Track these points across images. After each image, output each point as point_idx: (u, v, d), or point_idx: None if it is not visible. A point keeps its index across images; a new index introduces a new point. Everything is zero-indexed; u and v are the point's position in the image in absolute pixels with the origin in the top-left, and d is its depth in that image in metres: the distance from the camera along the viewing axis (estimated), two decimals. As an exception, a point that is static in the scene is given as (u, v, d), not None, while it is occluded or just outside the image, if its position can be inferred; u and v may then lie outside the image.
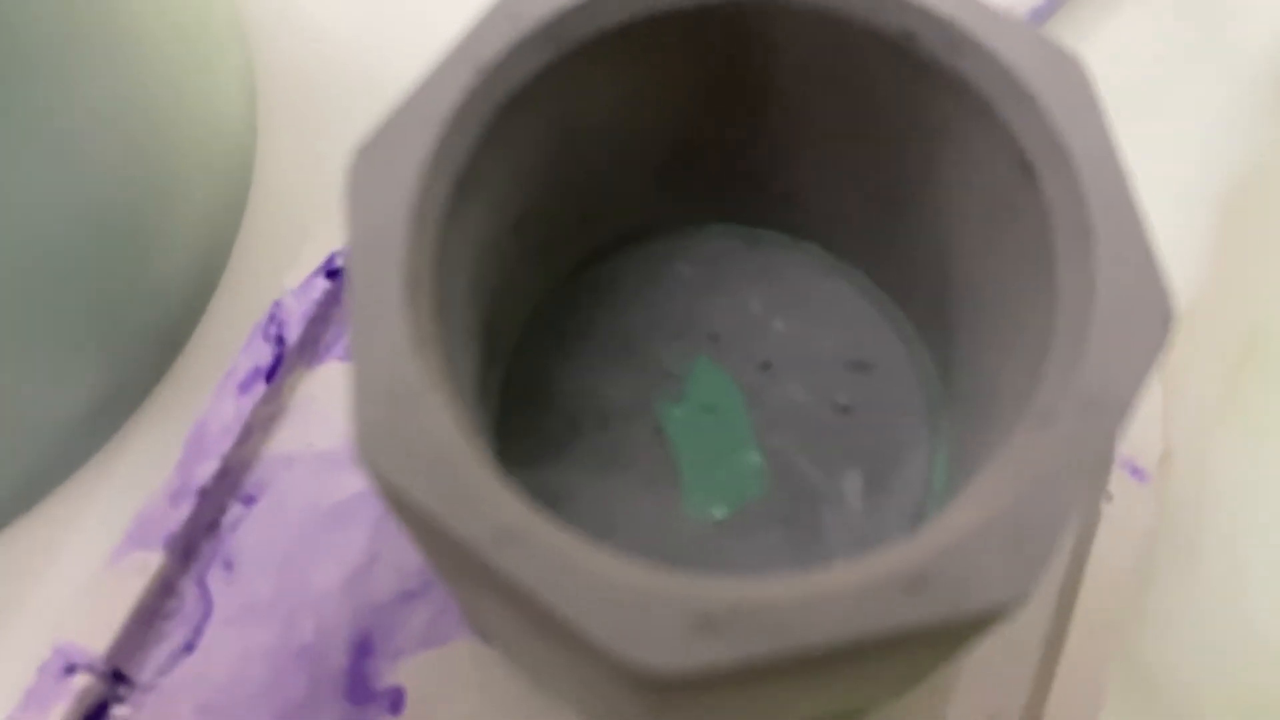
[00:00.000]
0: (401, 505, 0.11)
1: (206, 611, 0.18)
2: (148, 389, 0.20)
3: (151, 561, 0.17)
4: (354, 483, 0.19)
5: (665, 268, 0.18)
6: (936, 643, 0.11)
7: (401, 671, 0.17)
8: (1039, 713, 0.16)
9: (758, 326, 0.18)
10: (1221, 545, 0.18)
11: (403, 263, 0.12)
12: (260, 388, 0.18)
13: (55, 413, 0.19)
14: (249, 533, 0.18)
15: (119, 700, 0.17)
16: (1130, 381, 0.11)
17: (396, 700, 0.17)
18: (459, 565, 0.11)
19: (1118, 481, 0.18)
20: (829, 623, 0.10)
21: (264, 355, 0.18)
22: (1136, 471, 0.18)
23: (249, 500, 0.18)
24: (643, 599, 0.10)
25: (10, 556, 0.19)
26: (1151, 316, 0.11)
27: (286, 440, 0.19)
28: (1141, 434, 0.18)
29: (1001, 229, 0.14)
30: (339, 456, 0.19)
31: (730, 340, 0.17)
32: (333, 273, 0.19)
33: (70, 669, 0.17)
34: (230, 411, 0.18)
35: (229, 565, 0.18)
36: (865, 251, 0.17)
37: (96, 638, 0.17)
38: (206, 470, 0.18)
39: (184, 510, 0.18)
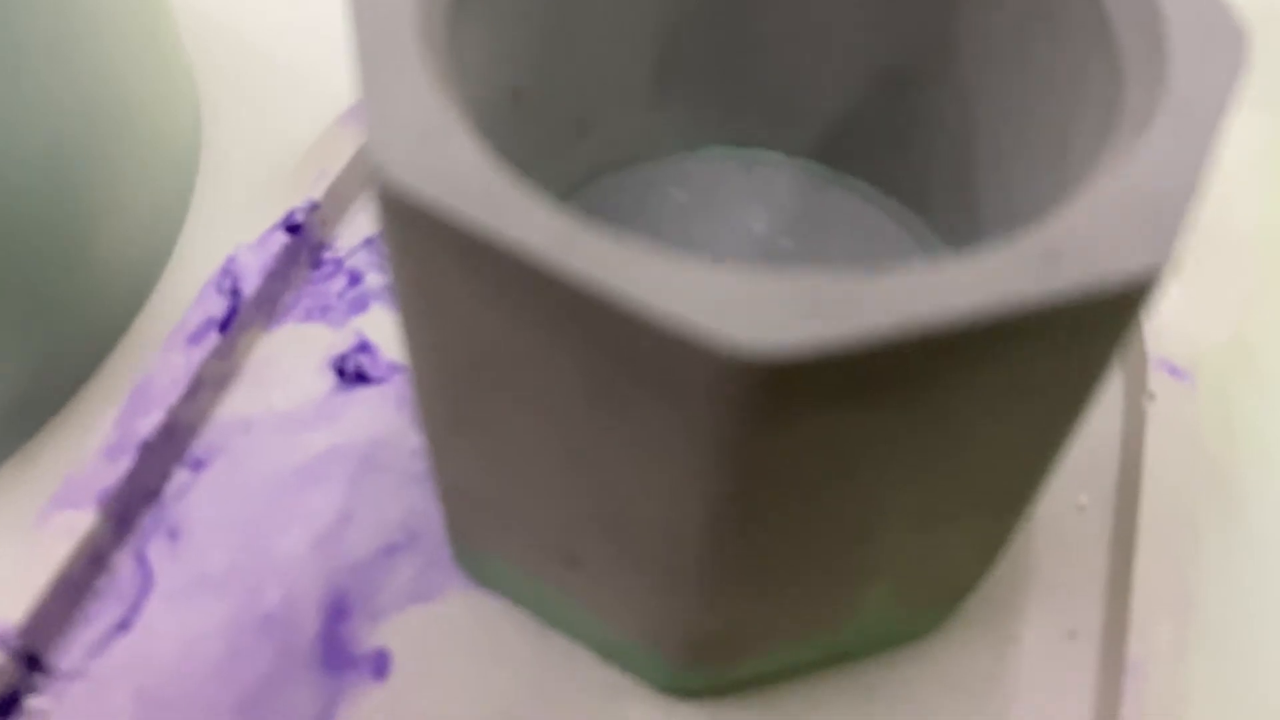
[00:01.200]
0: (441, 234, 0.09)
1: (145, 587, 0.15)
2: (83, 377, 0.18)
3: (80, 523, 0.15)
4: (320, 441, 0.16)
5: (659, 193, 0.17)
6: (1075, 331, 0.09)
7: (385, 632, 0.15)
8: (1124, 623, 0.15)
9: (764, 246, 0.17)
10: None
11: (414, 22, 0.11)
12: (213, 338, 0.16)
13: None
14: (198, 501, 0.16)
15: (34, 691, 0.14)
16: (1220, 89, 0.11)
17: (381, 664, 0.15)
18: (506, 290, 0.09)
19: (1157, 381, 0.17)
20: (958, 295, 0.09)
21: (217, 307, 0.17)
22: (1175, 371, 0.17)
23: (198, 465, 0.16)
24: (743, 284, 0.09)
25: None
26: (1225, 35, 0.11)
27: (242, 403, 0.17)
28: (1175, 335, 0.17)
29: (1033, 38, 0.13)
30: (303, 415, 0.17)
31: (737, 263, 0.16)
32: (293, 228, 0.18)
33: (-25, 645, 0.14)
34: (179, 363, 0.16)
35: (174, 535, 0.15)
36: (868, 155, 0.17)
37: (9, 609, 0.14)
38: (149, 423, 0.16)
39: (122, 466, 0.15)
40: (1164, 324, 0.17)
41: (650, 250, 0.09)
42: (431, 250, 0.10)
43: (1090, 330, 0.09)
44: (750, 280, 0.09)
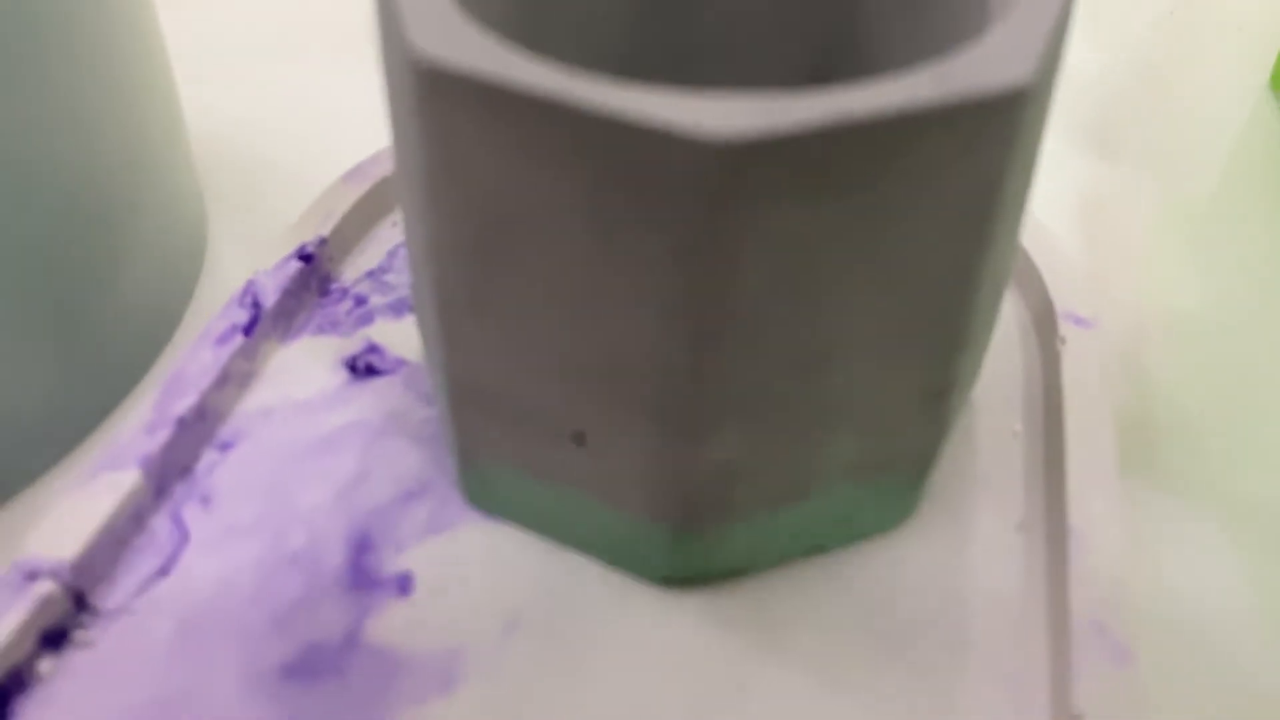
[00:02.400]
0: (467, 92, 0.12)
1: (181, 542, 0.17)
2: (111, 406, 0.20)
3: (124, 482, 0.16)
4: (336, 420, 0.18)
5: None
6: (967, 134, 0.12)
7: (407, 559, 0.16)
8: (1064, 509, 0.17)
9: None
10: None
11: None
12: (237, 339, 0.19)
13: (19, 415, 0.18)
14: (227, 473, 0.18)
15: (82, 627, 0.15)
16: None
17: (405, 584, 0.16)
18: (518, 131, 0.12)
19: (1066, 329, 0.19)
20: (871, 99, 0.12)
21: (240, 317, 0.19)
22: (1080, 320, 0.19)
23: (225, 447, 0.18)
24: (706, 100, 0.12)
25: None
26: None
27: (263, 397, 0.19)
28: (1076, 291, 0.20)
29: (924, 18, 0.17)
30: (320, 402, 0.19)
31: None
32: (305, 257, 0.20)
33: (32, 576, 0.15)
34: (208, 358, 0.18)
35: (206, 500, 0.17)
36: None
37: (61, 549, 0.15)
38: (185, 404, 0.17)
39: (159, 438, 0.17)
40: (1068, 284, 0.20)
41: (632, 89, 0.12)
42: (459, 112, 0.12)
43: (979, 134, 0.12)
44: (713, 98, 0.12)
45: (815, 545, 0.16)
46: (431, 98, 0.13)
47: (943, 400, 0.15)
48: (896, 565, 0.17)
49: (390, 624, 0.16)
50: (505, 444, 0.16)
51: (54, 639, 0.15)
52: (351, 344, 0.20)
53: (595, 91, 0.12)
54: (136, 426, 0.17)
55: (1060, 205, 0.25)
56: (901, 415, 0.15)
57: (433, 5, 0.13)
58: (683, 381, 0.14)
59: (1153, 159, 0.27)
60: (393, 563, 0.16)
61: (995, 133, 0.12)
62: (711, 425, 0.14)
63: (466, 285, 0.14)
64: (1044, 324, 0.20)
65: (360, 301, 0.21)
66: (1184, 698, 0.16)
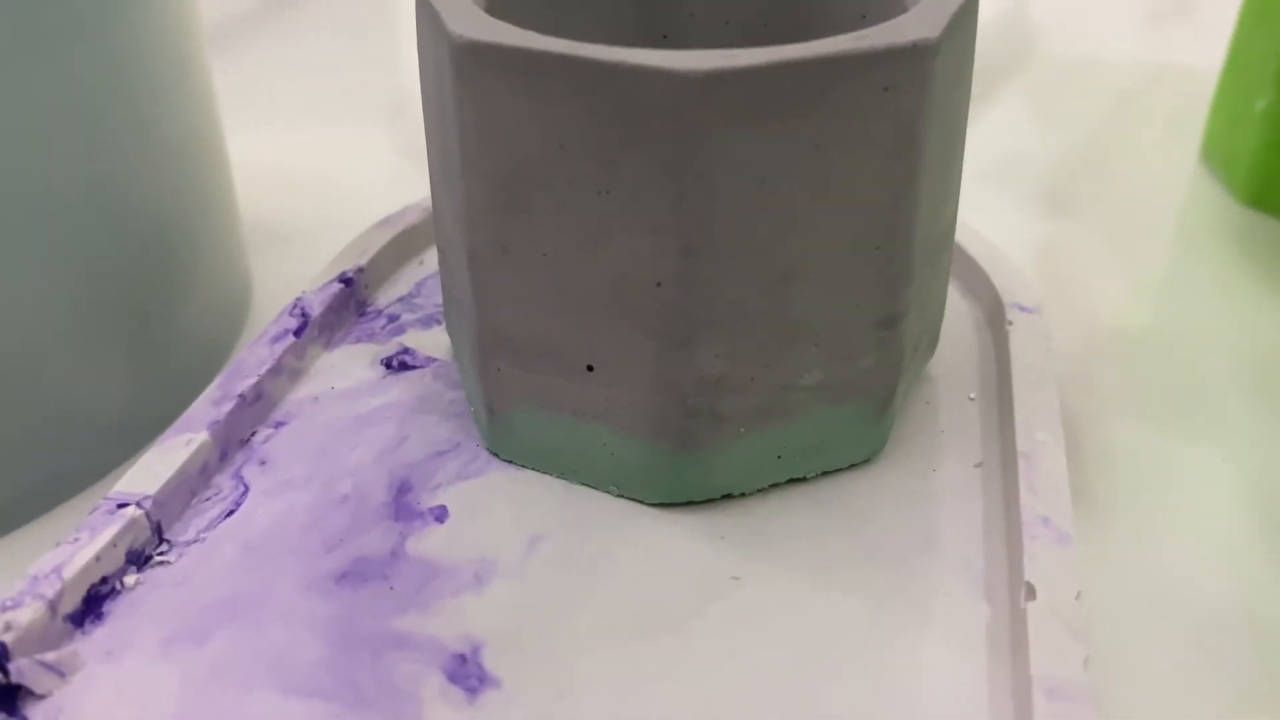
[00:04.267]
0: (497, 59, 0.16)
1: (243, 493, 0.20)
2: (170, 417, 0.23)
3: (195, 440, 0.19)
4: (375, 402, 0.22)
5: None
6: (885, 79, 0.16)
7: (442, 496, 0.19)
8: (1013, 443, 0.20)
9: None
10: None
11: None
12: (289, 339, 0.22)
13: (94, 407, 0.21)
14: (281, 443, 0.21)
15: (160, 551, 0.18)
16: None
17: (440, 514, 0.19)
18: (539, 87, 0.16)
19: (1012, 314, 0.23)
20: (807, 50, 0.16)
21: (291, 324, 0.22)
22: (1024, 309, 0.23)
23: (278, 425, 0.21)
24: (684, 53, 0.16)
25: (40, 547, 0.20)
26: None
27: (310, 388, 0.22)
28: (1020, 286, 0.23)
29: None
30: (360, 390, 0.22)
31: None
32: (345, 280, 0.24)
33: (121, 505, 0.18)
34: (264, 352, 0.22)
35: (263, 463, 0.20)
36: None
37: (144, 487, 0.18)
38: (245, 384, 0.21)
39: (224, 409, 0.20)
40: (1013, 281, 0.23)
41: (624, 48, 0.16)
42: (489, 75, 0.16)
43: (893, 80, 0.16)
44: (687, 52, 0.16)
45: (796, 473, 0.19)
46: (467, 68, 0.16)
47: (894, 329, 0.18)
48: (869, 491, 0.19)
49: (429, 542, 0.18)
50: (527, 385, 0.19)
51: (137, 558, 0.18)
52: (386, 348, 0.23)
53: (596, 49, 0.16)
54: (205, 401, 0.20)
55: (1020, 254, 0.29)
56: (860, 340, 0.18)
57: (462, 5, 0.17)
58: (673, 295, 0.17)
59: (1099, 217, 0.31)
60: (429, 499, 0.19)
61: (908, 80, 0.16)
62: (698, 338, 0.17)
63: (494, 238, 0.18)
64: (994, 316, 0.23)
65: (393, 319, 0.24)
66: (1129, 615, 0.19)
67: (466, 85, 0.17)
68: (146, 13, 0.21)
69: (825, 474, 0.20)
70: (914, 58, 0.16)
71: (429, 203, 0.26)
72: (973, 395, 0.22)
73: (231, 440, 0.20)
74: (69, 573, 0.17)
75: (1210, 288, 0.28)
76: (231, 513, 0.19)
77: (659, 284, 0.17)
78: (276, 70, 0.40)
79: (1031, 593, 0.17)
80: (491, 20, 0.17)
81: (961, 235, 0.25)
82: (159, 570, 0.18)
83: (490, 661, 0.16)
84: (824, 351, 0.18)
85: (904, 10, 0.19)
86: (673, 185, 0.16)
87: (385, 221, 0.26)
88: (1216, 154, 0.33)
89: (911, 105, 0.16)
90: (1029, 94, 0.38)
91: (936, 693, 0.16)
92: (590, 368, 0.18)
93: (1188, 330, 0.26)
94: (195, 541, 0.19)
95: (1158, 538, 0.20)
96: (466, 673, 0.16)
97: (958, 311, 0.24)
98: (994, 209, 0.31)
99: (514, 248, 0.18)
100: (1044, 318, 0.23)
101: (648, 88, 0.15)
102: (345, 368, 0.23)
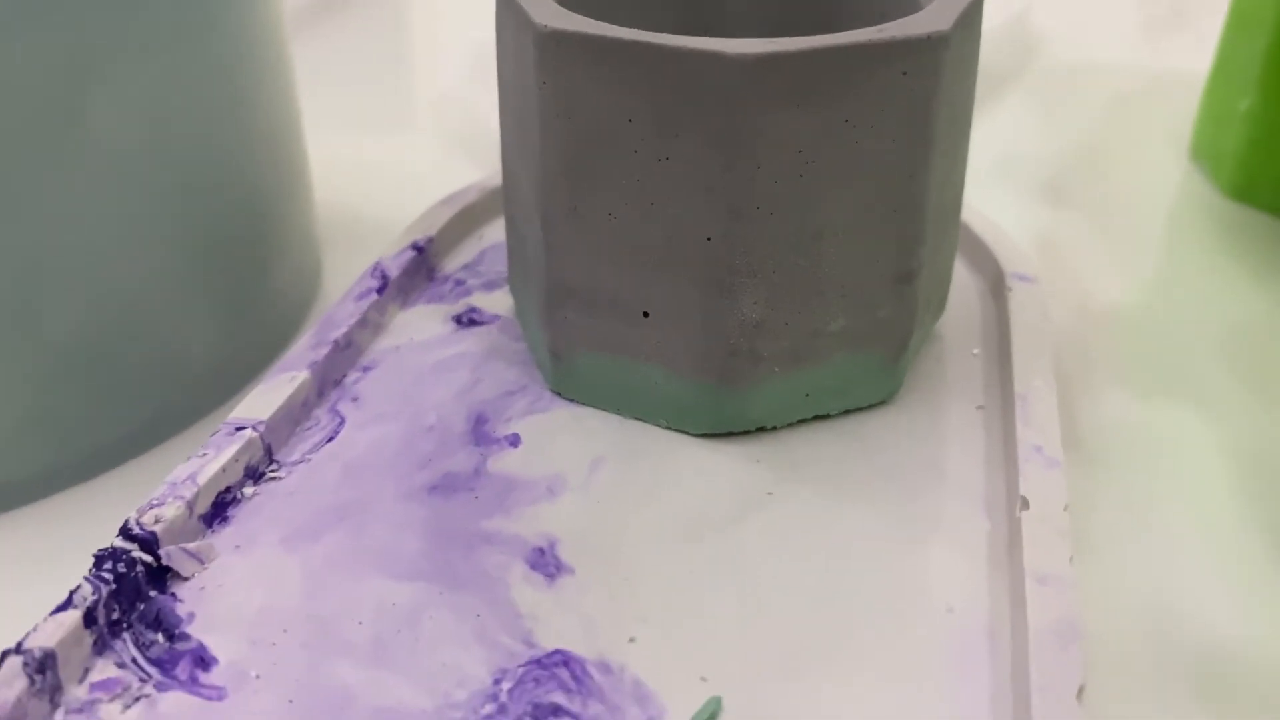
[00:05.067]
0: (575, 45, 0.19)
1: (340, 423, 0.23)
2: (258, 370, 0.26)
3: (298, 377, 0.23)
4: (450, 351, 0.25)
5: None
6: (903, 66, 0.19)
7: (515, 426, 0.22)
8: (1011, 392, 0.23)
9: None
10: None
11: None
12: (372, 296, 0.25)
13: (194, 356, 0.24)
14: (370, 383, 0.24)
15: (273, 470, 0.21)
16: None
17: (514, 440, 0.22)
18: (608, 63, 0.19)
19: (1011, 282, 0.26)
20: (838, 39, 0.19)
21: (372, 283, 0.26)
22: (1023, 278, 0.26)
23: (366, 369, 0.24)
24: (736, 40, 0.19)
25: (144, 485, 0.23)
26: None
27: (391, 340, 0.25)
28: (1019, 258, 0.26)
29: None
30: (436, 342, 0.25)
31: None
32: (418, 247, 0.27)
33: (239, 428, 0.21)
34: (351, 307, 0.25)
35: (356, 400, 0.23)
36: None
37: (258, 413, 0.22)
38: (337, 332, 0.24)
39: (321, 352, 0.23)
40: (1013, 254, 0.27)
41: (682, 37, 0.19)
42: (568, 60, 0.19)
43: (910, 67, 0.19)
44: (737, 40, 0.19)
45: (821, 410, 0.22)
46: (550, 53, 0.20)
47: (909, 285, 0.22)
48: (885, 428, 0.23)
49: (506, 462, 0.21)
50: (590, 331, 0.22)
51: (254, 473, 0.21)
52: (455, 308, 0.26)
53: (661, 37, 0.19)
54: (303, 346, 0.23)
55: (1020, 239, 0.32)
56: (879, 292, 0.21)
57: (541, 1, 0.20)
58: (720, 249, 0.20)
59: (1095, 207, 0.34)
60: (504, 429, 0.22)
61: (923, 67, 0.19)
62: (741, 287, 0.20)
63: (565, 200, 0.21)
64: (996, 286, 0.26)
65: (459, 283, 0.27)
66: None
67: (548, 68, 0.20)
68: (243, 18, 0.24)
69: (847, 412, 0.23)
70: (928, 47, 0.19)
71: (486, 184, 0.30)
72: (976, 351, 0.25)
73: (327, 380, 0.23)
74: (202, 479, 0.20)
75: (1195, 272, 0.31)
76: (331, 439, 0.22)
77: (709, 239, 0.20)
78: (312, 73, 0.43)
79: (1025, 504, 0.20)
80: (568, 12, 0.20)
81: (968, 215, 0.28)
82: (272, 484, 0.21)
83: (565, 553, 0.19)
84: (848, 302, 0.21)
85: (919, 9, 0.22)
86: (723, 153, 0.19)
87: (448, 200, 0.29)
88: (1204, 151, 0.36)
89: (925, 88, 0.20)
90: (1031, 96, 0.41)
91: (943, 585, 0.19)
92: (646, 314, 0.21)
93: (1173, 309, 0.29)
94: (301, 462, 0.22)
95: (1143, 486, 0.23)
96: (545, 562, 0.19)
97: (964, 281, 0.27)
98: (998, 200, 0.34)
99: (582, 209, 0.21)
100: (1041, 286, 0.26)
101: (705, 69, 0.19)
102: (420, 324, 0.26)
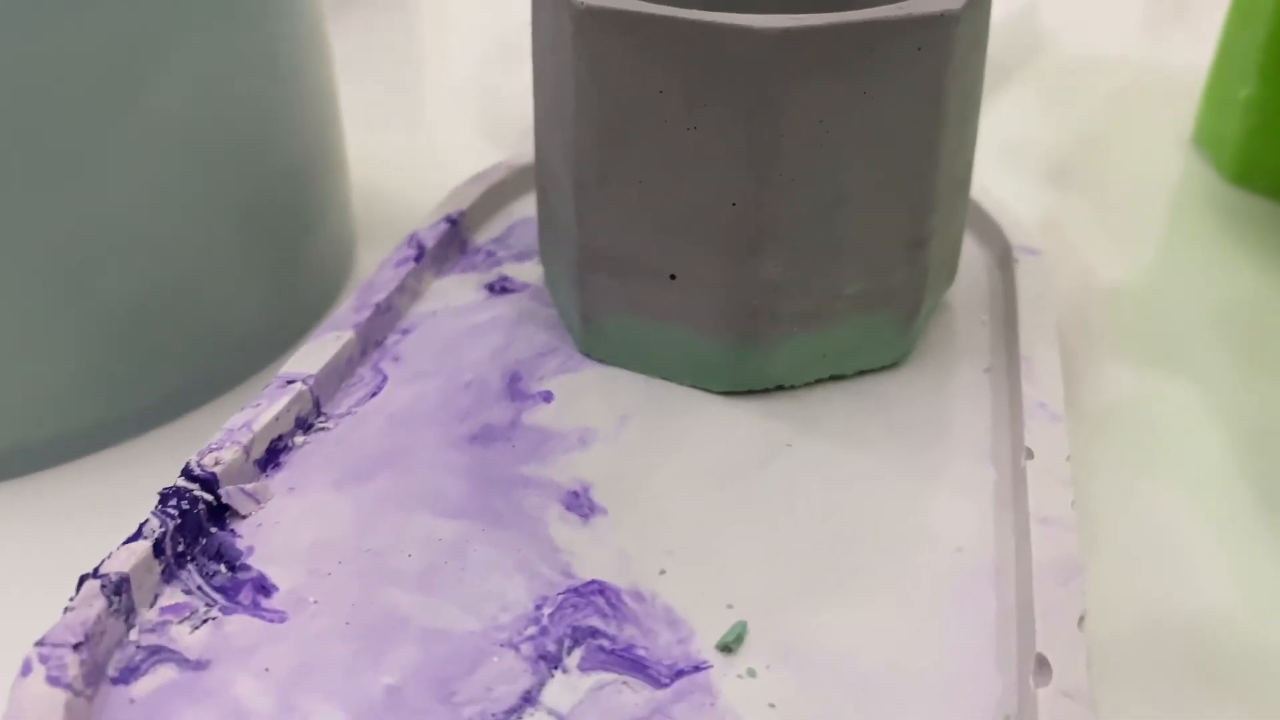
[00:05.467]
0: (611, 21, 0.21)
1: (383, 381, 0.24)
2: (303, 332, 0.27)
3: (343, 336, 0.24)
4: (484, 315, 0.26)
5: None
6: (919, 40, 0.21)
7: (547, 384, 0.24)
8: (1016, 354, 0.24)
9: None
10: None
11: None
12: (410, 264, 0.27)
13: (239, 320, 0.26)
14: (409, 345, 0.25)
15: (321, 422, 0.23)
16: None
17: (548, 396, 0.24)
18: (640, 37, 0.20)
19: (1018, 255, 0.27)
20: (860, 15, 0.20)
21: (409, 252, 0.27)
22: (1029, 251, 0.27)
23: (405, 331, 0.26)
24: (763, 15, 0.20)
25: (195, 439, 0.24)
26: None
27: (427, 305, 0.27)
28: (1025, 233, 0.28)
29: None
30: (470, 307, 0.26)
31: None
32: (452, 220, 0.28)
33: (290, 381, 0.23)
34: (390, 274, 0.26)
35: (397, 359, 0.25)
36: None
37: (306, 367, 0.23)
38: (378, 296, 0.25)
39: (364, 314, 0.25)
40: (1019, 229, 0.28)
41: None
42: (603, 34, 0.21)
43: (925, 42, 0.21)
44: (764, 15, 0.20)
45: (836, 370, 0.24)
46: (586, 28, 0.21)
47: (920, 251, 0.23)
48: (897, 387, 0.24)
49: (540, 416, 0.23)
50: (619, 294, 0.23)
51: (303, 424, 0.23)
52: (488, 276, 0.28)
53: (691, 12, 0.20)
54: (347, 309, 0.25)
55: (1027, 220, 0.33)
56: (893, 258, 0.23)
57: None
58: (744, 214, 0.21)
59: (1100, 191, 0.35)
60: (537, 386, 0.24)
61: (936, 43, 0.21)
62: (763, 250, 0.22)
63: (597, 169, 0.22)
64: (1004, 259, 0.28)
65: (490, 254, 0.29)
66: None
67: (584, 43, 0.21)
68: (290, 1, 0.25)
69: (861, 373, 0.24)
70: (941, 24, 0.21)
71: (513, 162, 0.31)
72: (984, 318, 0.26)
73: (369, 340, 0.25)
74: (257, 426, 0.21)
75: (1195, 252, 0.32)
76: (374, 394, 0.24)
77: (734, 205, 0.21)
78: (338, 60, 0.45)
79: (1030, 454, 0.21)
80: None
81: (977, 194, 0.29)
82: (321, 434, 0.23)
83: (597, 496, 0.21)
84: (864, 266, 0.23)
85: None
86: (749, 123, 0.21)
87: (477, 177, 0.31)
88: (1206, 138, 0.38)
89: (938, 63, 0.21)
90: (1037, 88, 0.43)
91: (952, 527, 0.21)
92: (673, 276, 0.23)
93: (1172, 287, 0.30)
94: (347, 414, 0.23)
95: (1140, 450, 0.24)
96: (579, 503, 0.21)
97: (973, 255, 0.29)
98: (1005, 184, 0.35)
99: (614, 177, 0.22)
100: (1045, 259, 0.27)
101: (733, 43, 0.20)
102: (455, 291, 0.27)
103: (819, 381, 0.24)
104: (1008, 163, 0.37)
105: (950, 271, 0.26)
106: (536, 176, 0.26)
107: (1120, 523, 0.22)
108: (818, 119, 0.21)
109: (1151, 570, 0.21)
